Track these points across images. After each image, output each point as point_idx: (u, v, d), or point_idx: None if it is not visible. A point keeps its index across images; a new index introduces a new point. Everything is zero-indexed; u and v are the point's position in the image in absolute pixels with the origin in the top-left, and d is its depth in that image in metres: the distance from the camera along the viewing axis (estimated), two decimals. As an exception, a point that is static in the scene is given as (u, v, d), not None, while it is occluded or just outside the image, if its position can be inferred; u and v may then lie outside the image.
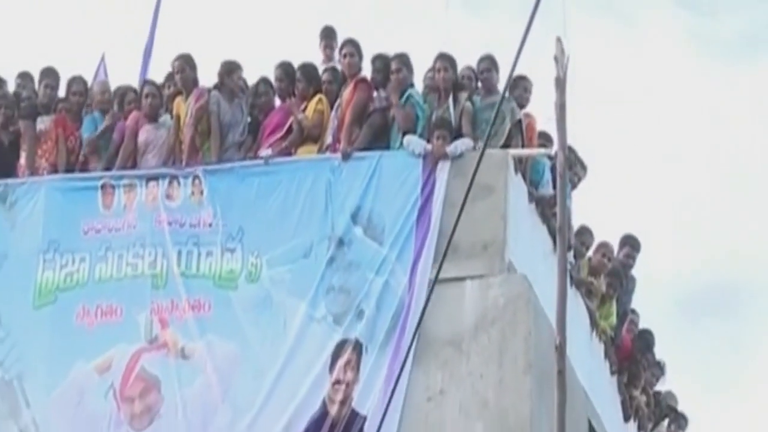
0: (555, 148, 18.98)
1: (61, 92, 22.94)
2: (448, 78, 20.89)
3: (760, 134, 56.77)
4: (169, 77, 22.36)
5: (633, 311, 23.49)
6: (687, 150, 60.00)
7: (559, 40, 16.14)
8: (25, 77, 23.05)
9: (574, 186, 21.43)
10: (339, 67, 21.63)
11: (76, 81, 22.80)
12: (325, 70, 21.76)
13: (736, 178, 59.71)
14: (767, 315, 58.34)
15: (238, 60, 22.22)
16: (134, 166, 21.81)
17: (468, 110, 20.75)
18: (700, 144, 60.71)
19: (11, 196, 22.08)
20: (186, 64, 21.94)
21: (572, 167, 20.70)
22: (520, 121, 20.83)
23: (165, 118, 22.04)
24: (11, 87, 23.24)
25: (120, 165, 21.84)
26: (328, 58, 22.02)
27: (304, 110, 21.50)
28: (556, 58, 16.32)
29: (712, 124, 58.66)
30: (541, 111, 20.36)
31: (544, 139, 21.20)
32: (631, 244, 23.21)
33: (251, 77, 22.19)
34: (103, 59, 23.52)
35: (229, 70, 21.81)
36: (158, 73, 23.48)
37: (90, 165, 22.15)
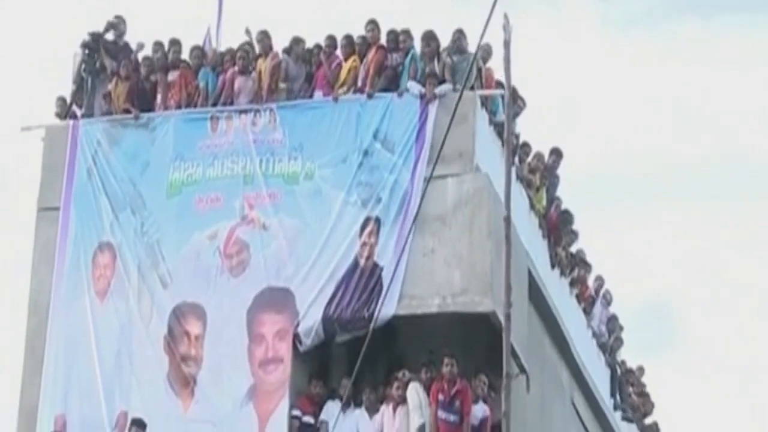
0: (503, 88, 19.21)
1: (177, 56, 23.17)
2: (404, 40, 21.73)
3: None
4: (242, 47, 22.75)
5: (558, 197, 23.84)
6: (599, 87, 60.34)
7: (505, 15, 16.80)
8: (158, 44, 22.98)
9: (516, 114, 21.61)
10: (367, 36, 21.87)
11: (195, 48, 23.13)
12: (359, 39, 22.04)
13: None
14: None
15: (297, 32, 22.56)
16: (231, 103, 22.17)
17: (449, 65, 21.24)
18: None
19: (152, 124, 22.44)
20: (265, 36, 22.46)
21: (516, 101, 21.04)
22: (480, 70, 21.45)
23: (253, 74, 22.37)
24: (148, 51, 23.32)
25: (222, 103, 22.28)
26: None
27: (340, 65, 22.06)
28: (504, 27, 17.00)
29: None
30: (497, 65, 20.54)
31: (499, 85, 21.28)
32: (557, 153, 23.62)
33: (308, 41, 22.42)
34: (208, 32, 23.79)
35: (296, 41, 22.29)
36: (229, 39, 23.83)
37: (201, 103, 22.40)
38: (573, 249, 24.92)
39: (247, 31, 23.08)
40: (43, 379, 21.44)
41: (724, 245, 59.02)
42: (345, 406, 20.10)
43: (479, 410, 19.76)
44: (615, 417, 27.24)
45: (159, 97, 22.87)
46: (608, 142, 59.58)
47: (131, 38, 23.65)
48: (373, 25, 21.96)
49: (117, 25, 23.42)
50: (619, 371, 27.47)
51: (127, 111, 22.71)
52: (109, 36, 23.51)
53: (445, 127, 19.26)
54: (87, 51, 23.32)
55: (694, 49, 60.46)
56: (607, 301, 26.90)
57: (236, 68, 22.49)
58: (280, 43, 22.68)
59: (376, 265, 20.74)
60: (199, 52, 23.21)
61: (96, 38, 23.28)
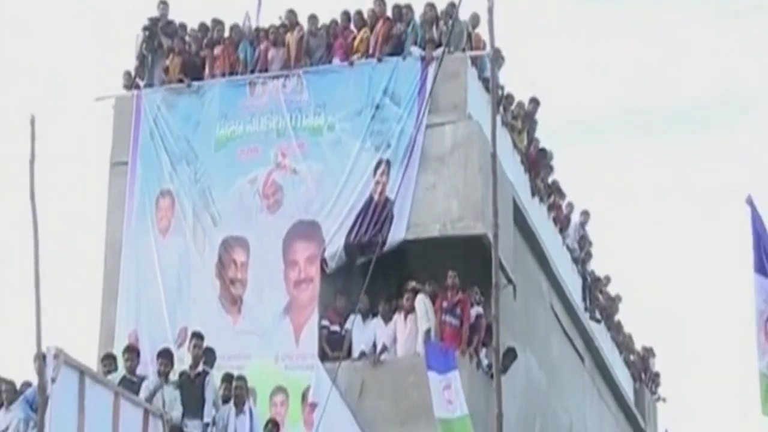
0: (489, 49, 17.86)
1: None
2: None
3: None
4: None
5: (536, 138, 22.89)
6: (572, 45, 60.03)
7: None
8: (202, 26, 22.28)
9: (500, 67, 20.80)
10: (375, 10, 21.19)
11: (235, 26, 22.14)
12: (369, 13, 21.23)
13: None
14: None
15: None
16: (266, 71, 21.32)
17: (444, 31, 20.32)
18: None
19: (201, 91, 21.58)
20: (291, 14, 21.59)
21: (498, 59, 19.93)
22: (470, 35, 20.60)
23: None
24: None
25: (258, 71, 21.43)
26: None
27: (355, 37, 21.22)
28: (488, -2, 16.14)
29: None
30: (483, 30, 19.49)
31: (485, 46, 20.30)
32: (535, 101, 22.53)
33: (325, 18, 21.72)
34: (247, 15, 22.77)
35: (314, 19, 21.47)
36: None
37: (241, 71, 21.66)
38: (549, 180, 23.99)
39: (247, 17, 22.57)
40: (118, 303, 20.95)
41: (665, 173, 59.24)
42: (364, 316, 19.62)
43: (474, 311, 19.37)
44: (587, 318, 26.65)
45: (206, 68, 22.07)
46: (579, 91, 58.67)
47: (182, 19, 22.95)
48: (380, 1, 21.19)
49: (162, 8, 22.75)
50: (589, 280, 26.92)
51: (181, 81, 21.96)
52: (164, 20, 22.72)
53: (443, 84, 19.62)
54: (147, 33, 22.53)
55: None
56: (585, 221, 26.18)
57: (269, 41, 21.71)
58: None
59: (387, 199, 20.03)
60: (238, 29, 22.31)
61: (154, 22, 22.62)
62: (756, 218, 12.49)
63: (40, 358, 12.17)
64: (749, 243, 12.55)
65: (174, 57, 22.04)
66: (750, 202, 12.57)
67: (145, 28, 22.38)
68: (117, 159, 21.77)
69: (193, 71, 21.85)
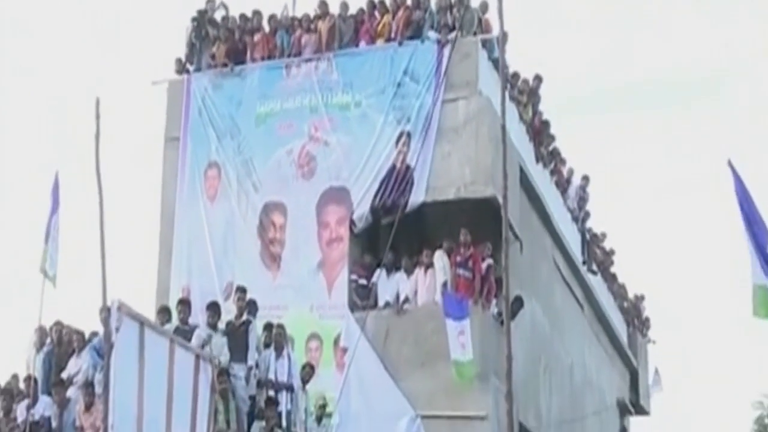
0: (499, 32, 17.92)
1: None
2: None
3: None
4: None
5: (540, 111, 22.45)
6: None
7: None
8: (243, 16, 22.09)
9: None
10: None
11: (273, 16, 21.96)
12: (390, 2, 20.96)
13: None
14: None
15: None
16: (300, 55, 21.11)
17: (457, 17, 20.04)
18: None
19: (243, 73, 21.37)
20: (323, 4, 21.37)
21: (506, 42, 19.81)
22: (480, 20, 20.30)
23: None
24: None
25: (293, 55, 21.19)
26: None
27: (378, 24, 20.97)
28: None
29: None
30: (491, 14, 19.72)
31: (494, 30, 19.92)
32: (538, 78, 22.12)
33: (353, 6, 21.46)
34: (285, 7, 22.47)
35: (344, 7, 21.26)
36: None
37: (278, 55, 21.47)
38: (551, 148, 23.65)
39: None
40: (172, 262, 21.00)
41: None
42: (389, 271, 19.42)
43: (484, 264, 19.13)
44: (585, 270, 26.44)
45: (248, 53, 21.91)
46: (577, 68, 58.49)
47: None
48: None
49: (215, 3, 22.61)
50: (587, 236, 26.64)
51: (225, 65, 21.82)
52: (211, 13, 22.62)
53: (456, 64, 19.51)
54: (195, 24, 22.39)
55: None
56: (585, 184, 25.82)
57: (303, 29, 21.58)
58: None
59: (408, 167, 19.80)
60: (275, 18, 22.20)
61: (202, 14, 22.47)
62: (736, 178, 12.79)
63: (106, 311, 12.12)
64: (729, 198, 12.84)
65: (219, 44, 21.90)
66: (730, 164, 12.86)
67: (193, 20, 22.27)
68: (170, 135, 21.70)
69: (236, 57, 21.69)
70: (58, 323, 16.94)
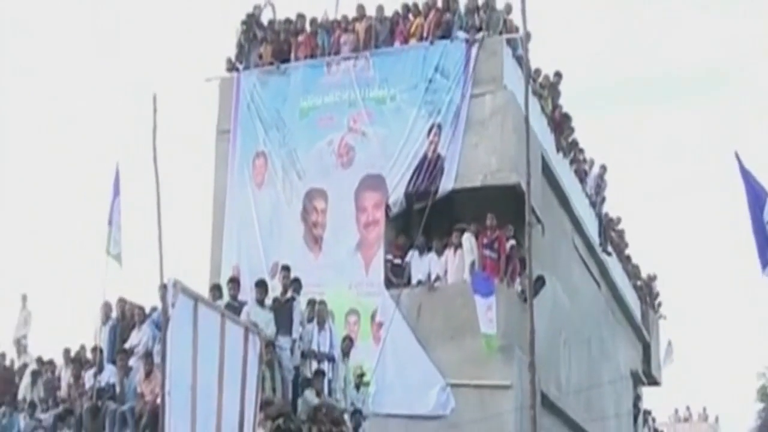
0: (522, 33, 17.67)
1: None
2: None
3: None
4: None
5: (560, 105, 22.23)
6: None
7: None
8: (287, 20, 21.99)
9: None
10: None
11: (313, 19, 21.81)
12: (423, 5, 20.82)
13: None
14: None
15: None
16: (338, 53, 20.96)
17: (484, 18, 19.97)
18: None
19: (288, 71, 21.24)
20: (361, 7, 21.27)
21: (529, 41, 19.68)
22: (505, 21, 20.10)
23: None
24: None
25: (333, 53, 21.04)
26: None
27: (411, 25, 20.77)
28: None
29: None
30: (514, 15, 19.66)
31: (517, 30, 19.63)
32: (558, 74, 21.97)
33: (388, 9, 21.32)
34: (326, 13, 22.25)
35: (380, 10, 21.15)
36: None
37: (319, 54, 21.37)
38: (571, 139, 23.42)
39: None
40: (223, 244, 20.90)
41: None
42: (421, 251, 19.39)
43: (508, 244, 19.00)
44: (602, 251, 26.22)
45: (292, 52, 21.79)
46: (595, 64, 58.26)
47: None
48: None
49: (260, 8, 22.57)
50: (604, 220, 26.42)
51: (272, 63, 21.68)
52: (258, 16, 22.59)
53: (483, 61, 19.47)
54: (244, 26, 22.31)
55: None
56: (602, 173, 25.59)
57: (341, 30, 21.43)
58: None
59: (438, 156, 19.62)
60: (316, 21, 22.07)
61: (250, 17, 22.42)
62: (742, 168, 12.63)
63: (163, 288, 12.10)
64: (735, 187, 12.71)
65: (266, 45, 21.81)
66: (737, 155, 12.75)
67: (243, 23, 22.20)
68: (221, 128, 21.59)
69: (281, 56, 21.58)
70: (121, 299, 17.05)
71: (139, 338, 16.17)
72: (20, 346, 21.09)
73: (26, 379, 18.62)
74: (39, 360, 18.93)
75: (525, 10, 15.24)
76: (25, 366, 19.46)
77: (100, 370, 16.09)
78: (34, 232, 59.65)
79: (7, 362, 19.89)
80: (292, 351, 15.77)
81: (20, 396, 18.26)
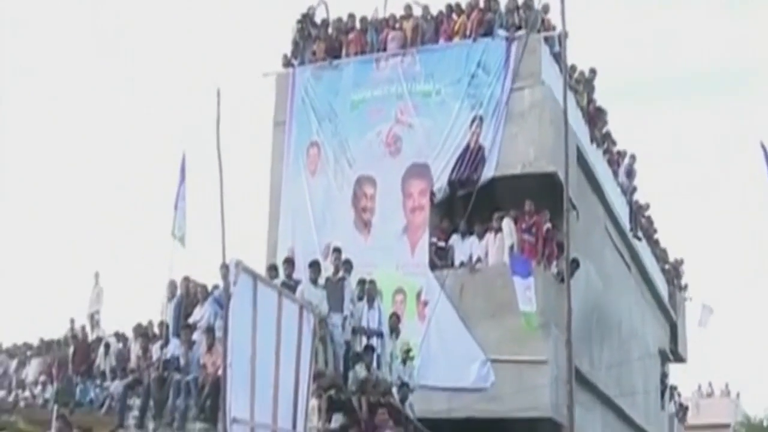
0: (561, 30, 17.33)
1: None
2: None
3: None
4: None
5: (594, 99, 22.05)
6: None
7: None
8: (339, 19, 21.89)
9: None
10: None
11: (363, 17, 21.69)
12: (466, 5, 20.66)
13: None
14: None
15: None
16: (386, 50, 20.80)
17: (523, 17, 19.76)
18: None
19: (340, 66, 21.10)
20: (408, 7, 21.11)
21: (567, 38, 19.46)
22: (543, 20, 19.81)
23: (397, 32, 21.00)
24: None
25: (382, 50, 20.86)
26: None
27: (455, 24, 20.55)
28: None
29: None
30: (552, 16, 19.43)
31: (555, 28, 19.66)
32: (593, 70, 21.74)
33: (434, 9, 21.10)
34: (375, 12, 22.08)
35: (426, 9, 20.99)
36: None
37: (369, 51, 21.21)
38: (604, 131, 23.20)
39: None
40: (279, 227, 20.80)
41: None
42: (463, 235, 19.30)
43: (545, 228, 18.82)
44: (632, 236, 25.92)
45: (343, 49, 21.64)
46: (627, 61, 57.62)
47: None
48: None
49: (314, 8, 22.42)
50: (634, 207, 26.12)
51: (324, 59, 21.55)
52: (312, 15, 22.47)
53: (522, 58, 19.05)
54: (299, 25, 22.25)
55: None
56: (633, 162, 25.17)
57: (389, 28, 21.29)
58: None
59: (480, 146, 19.41)
60: (366, 20, 21.89)
61: (305, 17, 22.33)
62: (767, 156, 12.49)
63: (225, 268, 12.08)
64: (760, 177, 12.50)
65: (319, 42, 21.76)
66: (762, 145, 12.58)
67: (298, 22, 22.15)
68: (278, 119, 21.50)
69: (333, 52, 21.52)
70: (185, 278, 17.07)
71: (201, 314, 16.18)
72: (93, 321, 21.26)
73: (102, 350, 18.78)
74: (115, 334, 19.10)
75: (564, 11, 15.05)
76: (98, 339, 19.63)
77: (166, 343, 16.15)
78: (107, 216, 60.31)
79: (81, 336, 20.07)
80: (343, 327, 15.74)
81: (97, 367, 18.45)
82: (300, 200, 20.65)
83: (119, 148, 63.66)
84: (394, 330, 16.52)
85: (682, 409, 34.62)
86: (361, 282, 16.58)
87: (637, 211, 26.24)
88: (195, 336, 15.72)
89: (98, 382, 18.00)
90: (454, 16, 20.81)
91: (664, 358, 30.33)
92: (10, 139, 58.26)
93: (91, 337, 20.15)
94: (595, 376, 20.80)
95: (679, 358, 31.92)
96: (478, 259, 18.86)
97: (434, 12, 21.05)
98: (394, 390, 15.87)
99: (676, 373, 32.72)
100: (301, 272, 16.54)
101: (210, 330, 15.14)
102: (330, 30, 22.00)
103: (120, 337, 18.77)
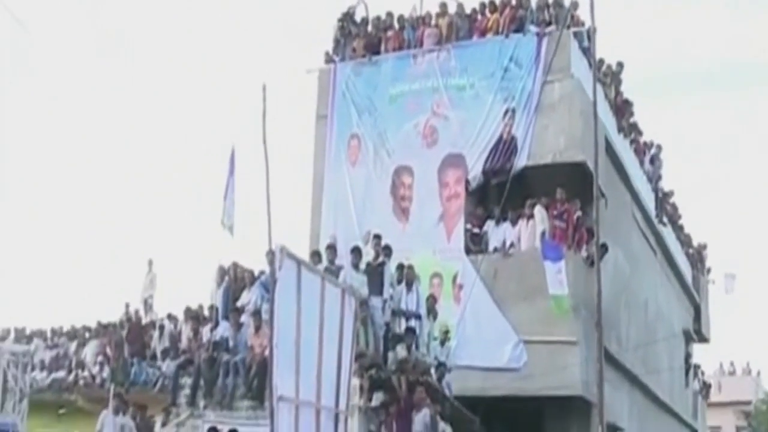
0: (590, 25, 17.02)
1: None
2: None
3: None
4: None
5: (622, 91, 21.74)
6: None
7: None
8: (378, 17, 21.65)
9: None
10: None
11: (400, 16, 21.40)
12: (499, 2, 20.36)
13: None
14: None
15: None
16: (422, 45, 20.56)
17: (553, 14, 19.51)
18: None
19: (379, 62, 20.88)
20: (443, 5, 20.83)
21: (596, 32, 19.18)
22: (572, 16, 19.42)
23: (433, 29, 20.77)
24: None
25: (418, 46, 20.63)
26: None
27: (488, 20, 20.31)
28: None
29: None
30: (581, 12, 19.07)
31: (583, 24, 19.42)
32: (620, 64, 21.43)
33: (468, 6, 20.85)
34: (413, 9, 21.85)
35: (461, 7, 20.57)
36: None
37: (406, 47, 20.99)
38: (631, 122, 22.83)
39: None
40: (321, 215, 20.72)
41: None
42: (497, 221, 19.20)
43: (575, 215, 18.65)
44: (658, 222, 25.60)
45: (382, 46, 21.46)
46: (653, 55, 56.89)
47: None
48: None
49: (354, 7, 22.21)
50: (660, 194, 25.71)
51: (364, 56, 21.37)
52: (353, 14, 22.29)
53: (552, 52, 18.64)
54: (340, 23, 22.07)
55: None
56: (658, 152, 24.95)
57: (425, 25, 21.03)
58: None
59: (513, 137, 19.23)
60: (403, 18, 21.67)
61: (346, 15, 22.15)
62: None
63: (271, 254, 12.03)
64: None
65: (359, 39, 21.57)
66: None
67: (339, 20, 22.01)
68: (320, 113, 21.35)
69: (372, 49, 21.35)
70: (234, 263, 17.06)
71: (249, 298, 16.16)
72: (147, 305, 21.33)
73: (155, 333, 18.82)
74: (168, 316, 19.14)
75: (593, 7, 14.80)
76: (152, 322, 19.68)
77: (216, 325, 16.14)
78: (161, 206, 60.68)
79: (135, 319, 20.14)
80: (383, 310, 15.63)
81: (152, 348, 18.50)
82: (341, 190, 20.53)
83: (175, 143, 64.06)
84: (432, 312, 16.42)
85: (705, 387, 34.24)
86: (400, 266, 16.45)
87: (662, 198, 25.88)
88: (243, 318, 15.70)
89: (152, 362, 18.04)
90: (488, 13, 20.60)
91: (688, 339, 30.01)
92: (74, 125, 58.72)
93: (144, 320, 20.21)
94: (623, 356, 20.58)
95: (703, 339, 31.61)
96: (512, 245, 18.70)
97: (468, 10, 20.85)
98: (432, 369, 15.77)
99: (699, 352, 32.47)
100: (343, 258, 16.44)
101: (257, 313, 15.11)
102: (369, 28, 21.81)
103: (172, 319, 18.80)
